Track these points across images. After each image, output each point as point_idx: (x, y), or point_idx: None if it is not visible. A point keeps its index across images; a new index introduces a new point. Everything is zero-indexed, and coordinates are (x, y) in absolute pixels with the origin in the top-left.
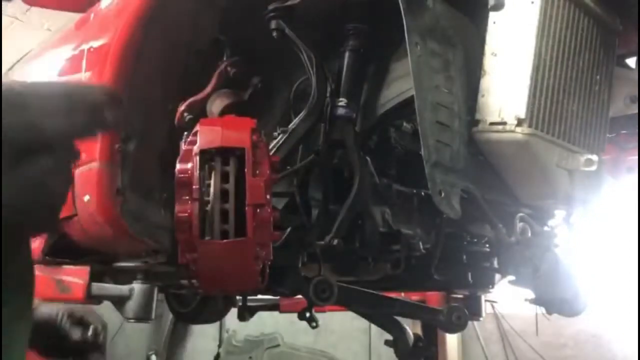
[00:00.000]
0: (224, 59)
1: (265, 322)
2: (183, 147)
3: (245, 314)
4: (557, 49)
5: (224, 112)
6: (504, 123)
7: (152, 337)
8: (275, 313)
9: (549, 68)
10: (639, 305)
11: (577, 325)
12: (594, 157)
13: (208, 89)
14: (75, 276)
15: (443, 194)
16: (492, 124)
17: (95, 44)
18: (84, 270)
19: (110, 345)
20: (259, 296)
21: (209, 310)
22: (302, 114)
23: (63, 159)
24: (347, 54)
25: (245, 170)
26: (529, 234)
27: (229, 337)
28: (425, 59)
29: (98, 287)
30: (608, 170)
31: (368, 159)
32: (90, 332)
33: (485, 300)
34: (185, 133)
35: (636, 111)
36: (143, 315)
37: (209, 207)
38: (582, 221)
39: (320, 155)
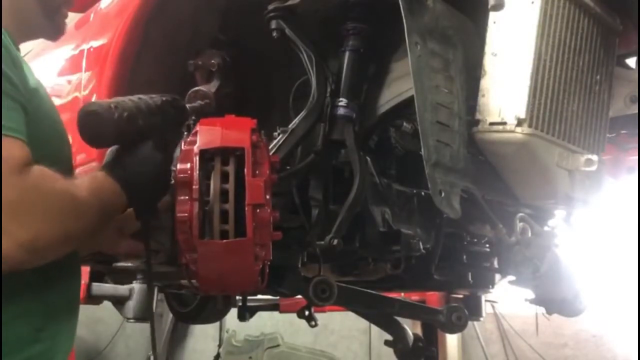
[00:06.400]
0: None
1: (265, 322)
2: (183, 147)
3: (245, 314)
4: (557, 49)
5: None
6: (504, 123)
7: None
8: (275, 313)
9: (549, 68)
10: (639, 305)
11: (577, 325)
12: (594, 157)
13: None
14: None
15: (443, 194)
16: (492, 124)
17: (95, 44)
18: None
19: (110, 345)
20: (259, 296)
21: (209, 310)
22: (302, 114)
23: (157, 144)
24: (347, 54)
25: (245, 170)
26: (529, 234)
27: (229, 337)
28: (425, 59)
29: (98, 287)
30: (608, 170)
31: (368, 159)
32: None
33: (485, 300)
34: (185, 133)
35: (636, 111)
36: (143, 315)
37: (208, 207)
38: (582, 221)
39: (320, 155)
